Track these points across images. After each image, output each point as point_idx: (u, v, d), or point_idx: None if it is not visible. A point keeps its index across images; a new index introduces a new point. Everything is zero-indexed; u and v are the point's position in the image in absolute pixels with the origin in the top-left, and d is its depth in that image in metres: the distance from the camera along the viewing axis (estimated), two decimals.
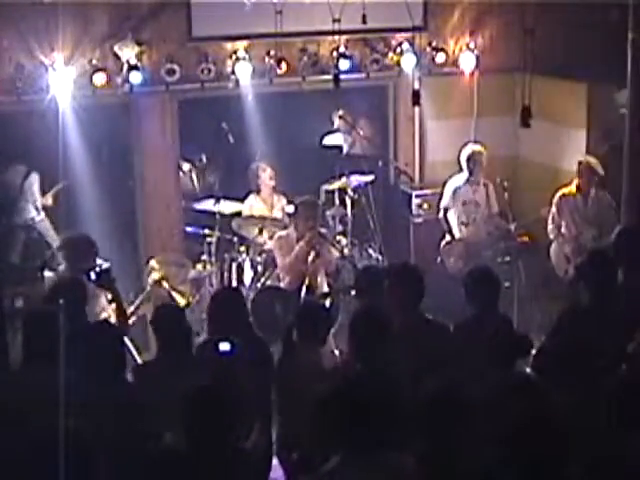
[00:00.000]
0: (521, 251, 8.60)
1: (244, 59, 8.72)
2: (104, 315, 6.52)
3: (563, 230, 8.63)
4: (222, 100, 9.12)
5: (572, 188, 8.58)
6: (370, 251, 9.09)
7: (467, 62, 9.61)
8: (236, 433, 4.26)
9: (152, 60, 8.58)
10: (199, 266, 8.65)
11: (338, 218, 9.00)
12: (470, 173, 8.97)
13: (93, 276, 5.97)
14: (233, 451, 4.16)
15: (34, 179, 9.37)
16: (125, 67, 8.32)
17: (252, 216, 8.92)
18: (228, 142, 8.91)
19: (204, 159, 10.31)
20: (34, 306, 6.54)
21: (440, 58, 9.45)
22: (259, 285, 8.35)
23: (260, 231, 8.70)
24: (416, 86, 7.81)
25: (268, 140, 9.51)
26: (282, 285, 8.13)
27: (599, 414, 4.24)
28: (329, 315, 5.92)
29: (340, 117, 10.01)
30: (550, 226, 8.67)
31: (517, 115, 6.99)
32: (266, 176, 9.05)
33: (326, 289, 8.07)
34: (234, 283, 8.50)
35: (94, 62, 8.31)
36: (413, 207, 9.59)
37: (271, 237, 8.51)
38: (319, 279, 8.05)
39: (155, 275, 7.96)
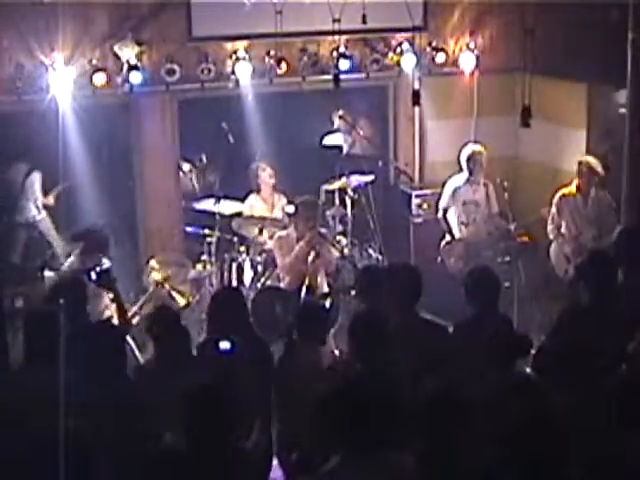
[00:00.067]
0: (521, 251, 8.59)
1: (244, 59, 8.73)
2: (107, 314, 6.53)
3: (563, 230, 8.62)
4: (222, 100, 9.12)
5: (572, 188, 8.58)
6: (370, 251, 9.09)
7: (467, 62, 9.62)
8: (236, 433, 4.26)
9: (152, 60, 8.59)
10: (199, 266, 8.65)
11: (338, 218, 9.00)
12: (470, 173, 8.97)
13: (94, 276, 5.97)
14: (233, 451, 4.16)
15: (36, 178, 9.39)
16: (125, 67, 8.33)
17: (252, 216, 8.92)
18: (228, 142, 8.90)
19: (204, 159, 10.31)
20: (34, 306, 6.55)
21: (440, 58, 9.46)
22: (259, 285, 8.35)
23: (260, 231, 8.71)
24: (416, 86, 7.80)
25: (268, 140, 9.51)
26: (282, 285, 8.13)
27: (599, 414, 4.24)
28: (329, 315, 5.92)
29: (340, 117, 10.01)
30: (550, 226, 8.67)
31: (517, 115, 6.98)
32: (266, 175, 9.06)
33: (326, 289, 8.08)
34: (234, 283, 8.50)
35: (94, 62, 8.32)
36: (413, 207, 9.60)
37: (271, 237, 8.51)
38: (319, 279, 8.06)
39: (156, 275, 7.97)
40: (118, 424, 4.46)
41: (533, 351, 5.32)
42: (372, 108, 10.35)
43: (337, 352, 6.88)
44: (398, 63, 9.32)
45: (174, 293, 7.97)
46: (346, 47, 9.04)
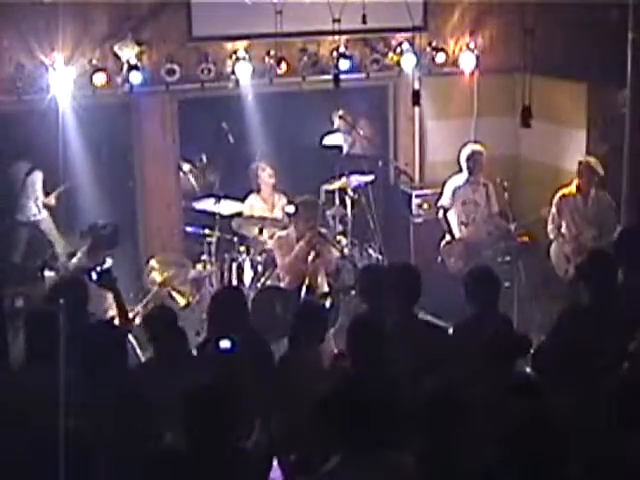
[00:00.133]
0: (521, 251, 8.59)
1: (244, 59, 8.73)
2: (110, 313, 6.52)
3: (563, 230, 8.62)
4: (222, 100, 9.13)
5: (572, 188, 8.58)
6: (370, 251, 9.09)
7: (467, 62, 9.62)
8: (236, 433, 4.26)
9: (152, 60, 8.59)
10: (199, 266, 8.65)
11: (338, 218, 9.00)
12: (470, 173, 8.97)
13: (94, 276, 5.97)
14: (233, 451, 4.16)
15: (37, 177, 9.40)
16: (125, 67, 8.33)
17: (252, 216, 8.92)
18: (228, 142, 8.90)
19: (204, 159, 10.32)
20: (35, 306, 6.55)
21: (440, 58, 9.46)
22: (259, 285, 8.35)
23: (260, 231, 8.71)
24: (416, 86, 7.80)
25: (268, 140, 9.51)
26: (282, 285, 8.13)
27: (599, 414, 4.24)
28: (329, 315, 5.93)
29: (340, 117, 10.00)
30: (550, 226, 8.67)
31: (517, 115, 6.97)
32: (266, 175, 9.06)
33: (326, 289, 8.07)
34: (234, 283, 8.50)
35: (94, 62, 8.32)
36: (413, 207, 9.60)
37: (271, 237, 8.51)
38: (319, 279, 8.05)
39: (156, 275, 7.97)
40: (118, 424, 4.46)
41: (533, 351, 5.33)
42: (372, 108, 10.34)
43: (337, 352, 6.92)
44: (398, 63, 9.32)
45: (174, 293, 7.97)
46: (346, 47, 9.05)
